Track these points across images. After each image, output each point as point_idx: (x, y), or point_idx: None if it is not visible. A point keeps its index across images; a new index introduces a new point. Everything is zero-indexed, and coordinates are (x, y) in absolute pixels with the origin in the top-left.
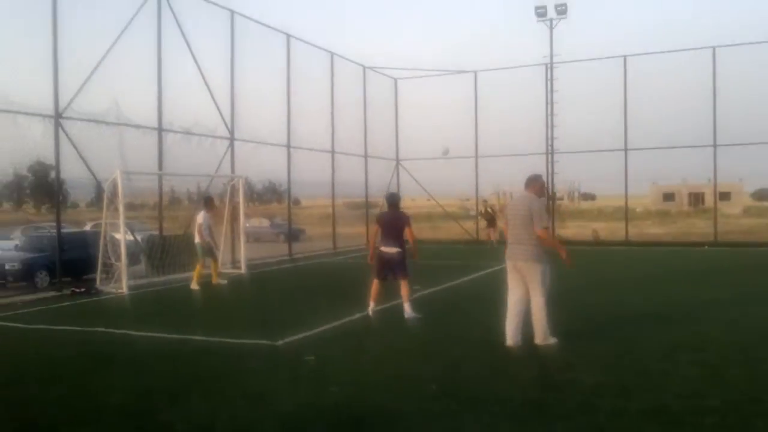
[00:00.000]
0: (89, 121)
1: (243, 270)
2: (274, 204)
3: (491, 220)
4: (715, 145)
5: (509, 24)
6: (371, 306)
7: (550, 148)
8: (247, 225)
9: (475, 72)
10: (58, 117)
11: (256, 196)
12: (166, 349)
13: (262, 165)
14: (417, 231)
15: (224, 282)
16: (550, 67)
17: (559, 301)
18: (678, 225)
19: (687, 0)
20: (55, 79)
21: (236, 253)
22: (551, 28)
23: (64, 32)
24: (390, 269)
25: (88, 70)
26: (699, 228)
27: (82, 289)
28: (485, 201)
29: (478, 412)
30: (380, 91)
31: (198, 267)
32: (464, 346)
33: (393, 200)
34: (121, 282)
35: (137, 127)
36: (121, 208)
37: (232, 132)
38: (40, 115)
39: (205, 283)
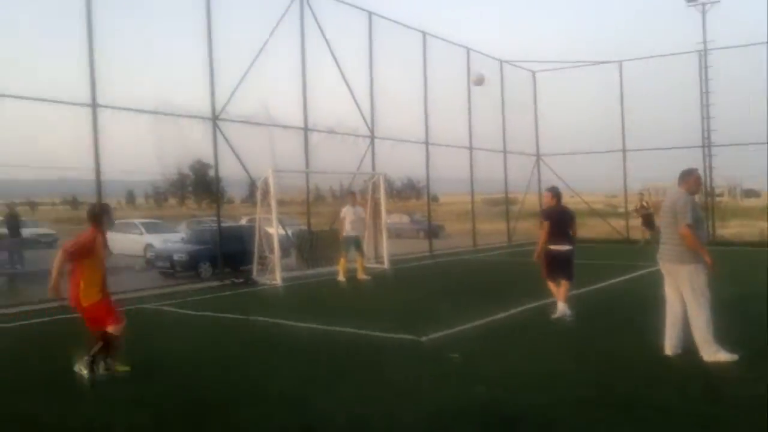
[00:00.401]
0: (242, 122)
1: (386, 265)
2: (412, 200)
3: (647, 216)
4: None
5: (655, 11)
6: (561, 308)
7: (706, 141)
8: (388, 221)
9: (620, 62)
10: (215, 119)
11: (395, 192)
12: (319, 340)
13: (401, 162)
14: None
15: (368, 278)
16: (704, 55)
17: (728, 309)
18: None
19: None
20: (212, 84)
21: (379, 249)
22: (703, 13)
23: (218, 41)
24: (559, 268)
25: (239, 74)
26: None
27: (241, 280)
28: (642, 195)
29: (637, 421)
30: (518, 85)
31: (342, 260)
32: (619, 350)
33: (559, 193)
34: (275, 274)
35: (285, 127)
36: (273, 204)
37: (372, 130)
38: (199, 117)
39: (351, 277)
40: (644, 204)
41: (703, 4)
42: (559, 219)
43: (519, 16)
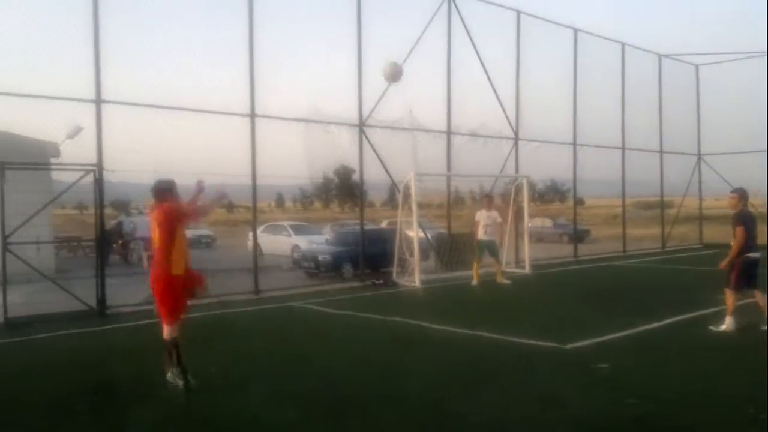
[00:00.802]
0: (387, 128)
1: (527, 270)
2: (556, 203)
3: None
4: None
5: None
6: (729, 322)
7: None
8: (530, 225)
9: None
10: (361, 125)
11: (537, 195)
12: (457, 343)
13: (544, 164)
14: (722, 235)
15: (508, 282)
16: None
17: None
18: None
19: None
20: (360, 93)
21: (520, 253)
22: None
23: (367, 49)
24: (754, 277)
25: (386, 82)
26: None
27: (381, 281)
28: None
29: None
30: (678, 81)
31: (475, 264)
32: None
33: (747, 195)
34: (414, 276)
35: (428, 131)
36: (414, 208)
37: (516, 132)
38: (347, 124)
39: (489, 281)
40: None
41: None
42: (752, 223)
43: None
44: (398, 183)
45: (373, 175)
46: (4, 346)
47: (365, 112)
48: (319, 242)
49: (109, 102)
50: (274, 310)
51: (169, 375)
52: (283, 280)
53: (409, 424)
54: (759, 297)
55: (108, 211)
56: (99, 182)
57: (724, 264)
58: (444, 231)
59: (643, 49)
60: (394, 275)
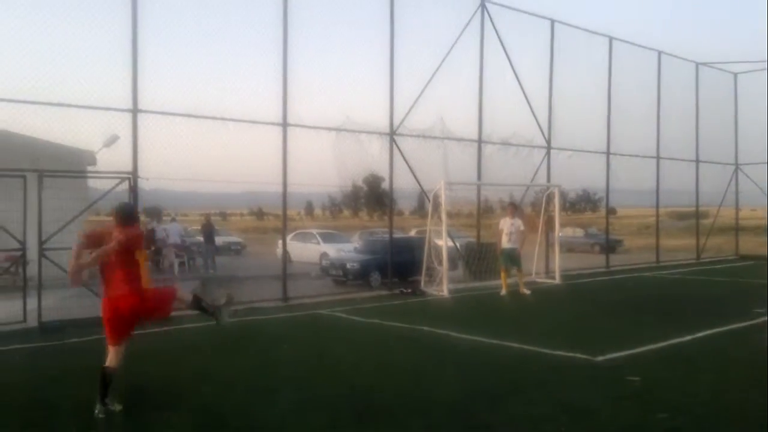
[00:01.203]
0: (418, 136)
1: (557, 280)
2: (587, 213)
3: None
4: None
5: None
6: None
7: None
8: (560, 235)
9: None
10: (392, 134)
11: (568, 205)
12: (485, 353)
13: (576, 173)
14: (759, 247)
15: (528, 293)
16: None
17: None
18: None
19: None
20: (391, 102)
21: (550, 263)
22: None
23: (398, 57)
24: None
25: (417, 90)
26: None
27: (409, 290)
28: None
29: None
30: (716, 89)
31: (503, 273)
32: None
33: None
34: (442, 285)
35: (459, 140)
36: (443, 217)
37: (548, 141)
38: (377, 133)
39: (514, 291)
40: None
41: None
42: None
43: (719, 12)
44: (428, 192)
45: (402, 184)
46: (38, 349)
47: (396, 121)
48: (347, 250)
49: (145, 111)
50: (303, 317)
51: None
52: (311, 287)
53: None
54: None
55: (141, 218)
56: (134, 190)
57: None
58: (473, 240)
59: (680, 57)
60: (422, 284)
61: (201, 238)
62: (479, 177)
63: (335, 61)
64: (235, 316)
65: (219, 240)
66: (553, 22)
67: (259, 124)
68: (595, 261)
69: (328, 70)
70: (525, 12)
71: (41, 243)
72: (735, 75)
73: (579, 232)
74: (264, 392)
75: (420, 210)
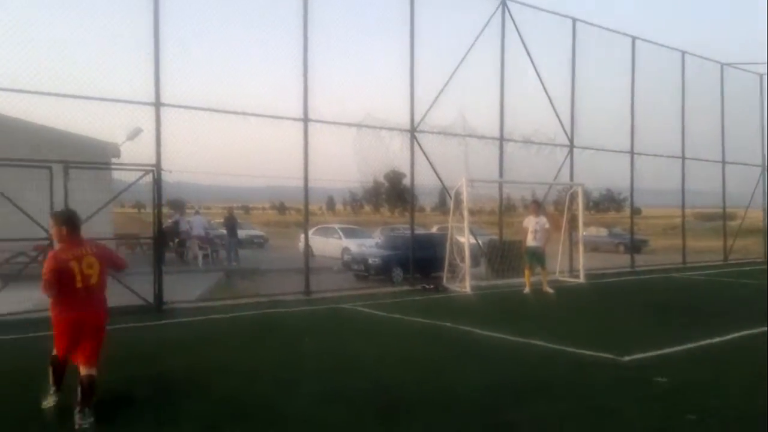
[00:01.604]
0: (439, 133)
1: (582, 279)
2: (611, 213)
3: None
4: None
5: None
6: None
7: None
8: (584, 234)
9: None
10: (413, 131)
11: (592, 204)
12: (508, 350)
13: (600, 172)
14: None
15: (552, 291)
16: None
17: None
18: None
19: None
20: (412, 99)
21: (574, 262)
22: None
23: (419, 55)
24: None
25: (438, 87)
26: None
27: (431, 286)
28: None
29: None
30: (742, 89)
31: (527, 271)
32: None
33: None
34: (464, 282)
35: (480, 137)
36: (465, 214)
37: (571, 139)
38: (398, 129)
39: (537, 290)
40: None
41: None
42: None
43: (744, 12)
44: (449, 188)
45: (423, 180)
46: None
47: (417, 118)
48: (369, 245)
49: (167, 105)
50: (324, 311)
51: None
52: (333, 281)
53: (462, 429)
54: None
55: (164, 210)
56: (157, 182)
57: None
58: (495, 238)
59: (705, 58)
60: (445, 280)
61: (224, 231)
62: (501, 174)
63: (356, 58)
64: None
65: (241, 233)
66: (574, 21)
67: (280, 120)
68: (619, 261)
69: (349, 66)
70: (546, 11)
71: None
72: (761, 76)
73: (603, 232)
74: (286, 385)
75: (441, 207)
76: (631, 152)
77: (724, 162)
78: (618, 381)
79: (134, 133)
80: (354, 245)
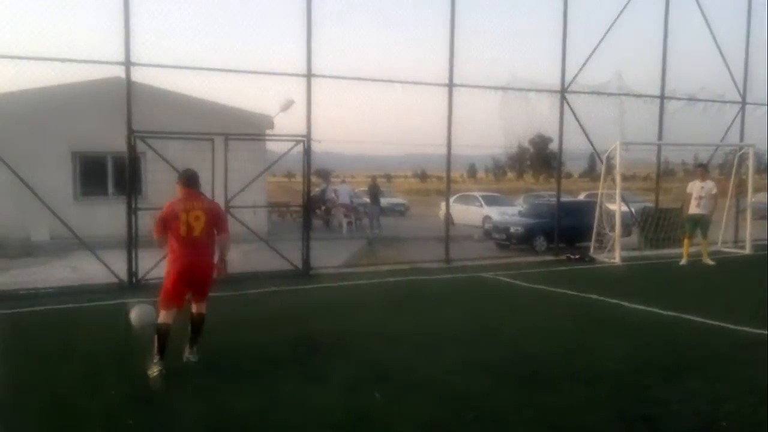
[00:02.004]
0: (592, 93)
1: (747, 250)
2: None
3: None
4: None
5: None
6: None
7: None
8: (753, 200)
9: None
10: (563, 92)
11: (765, 167)
12: (660, 325)
13: None
14: None
15: (712, 263)
16: None
17: None
18: None
19: None
20: (563, 57)
21: (740, 232)
22: None
23: (573, 7)
24: None
25: (592, 44)
26: None
27: (577, 256)
28: None
29: None
30: None
31: (686, 241)
32: None
33: None
34: (614, 252)
35: (638, 96)
36: (618, 180)
37: (744, 95)
38: (548, 91)
39: (695, 261)
40: None
41: None
42: None
43: None
44: (601, 153)
45: (572, 145)
46: (224, 298)
47: (568, 77)
48: (511, 213)
49: (318, 76)
50: (465, 279)
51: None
52: (473, 250)
53: (604, 405)
54: None
55: (313, 179)
56: (307, 152)
57: None
58: (650, 205)
59: None
60: (592, 250)
61: (367, 199)
62: (660, 136)
63: (504, 15)
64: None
65: (384, 201)
66: None
67: (425, 86)
68: None
69: (497, 25)
70: None
71: (227, 201)
72: None
73: None
74: (427, 350)
75: (590, 172)
76: None
77: None
78: None
79: (287, 105)
80: (495, 213)
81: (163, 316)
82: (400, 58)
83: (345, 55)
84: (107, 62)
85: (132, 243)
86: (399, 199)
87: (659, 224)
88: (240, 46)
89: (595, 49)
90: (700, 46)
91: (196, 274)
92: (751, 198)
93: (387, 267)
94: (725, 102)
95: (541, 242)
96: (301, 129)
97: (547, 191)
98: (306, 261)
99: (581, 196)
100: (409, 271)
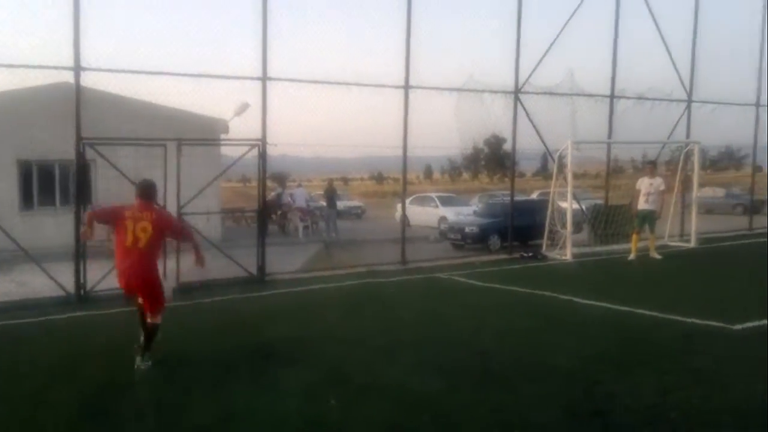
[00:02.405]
0: (544, 93)
1: (693, 243)
2: (730, 172)
3: None
4: None
5: None
6: None
7: None
8: (699, 195)
9: None
10: (517, 92)
11: (709, 163)
12: (610, 319)
13: (720, 128)
14: None
15: (659, 257)
16: None
17: None
18: None
19: None
20: (517, 58)
21: (686, 226)
22: None
23: (526, 9)
24: None
25: (545, 45)
26: None
27: (530, 254)
28: None
29: None
30: None
31: (635, 236)
32: None
33: None
34: (565, 249)
35: (589, 96)
36: (569, 178)
37: (689, 93)
38: (502, 92)
39: (643, 256)
40: None
41: None
42: None
43: None
44: (553, 152)
45: (525, 144)
46: (177, 308)
47: (522, 78)
48: (466, 214)
49: (274, 79)
50: (421, 280)
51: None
52: (429, 251)
53: (556, 401)
54: None
55: (268, 183)
56: (262, 156)
57: None
58: (600, 202)
59: None
60: (544, 248)
61: (323, 203)
62: (610, 135)
63: (459, 19)
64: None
65: (340, 204)
66: None
67: (381, 88)
68: (737, 223)
69: (452, 28)
70: None
71: (179, 208)
72: None
73: (720, 193)
74: (384, 353)
75: (543, 171)
76: (756, 104)
77: None
78: (728, 351)
79: (242, 109)
80: (451, 214)
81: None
82: (358, 61)
83: (301, 58)
84: (55, 67)
85: (80, 254)
86: (356, 202)
87: (609, 221)
88: (195, 49)
89: (547, 51)
90: (648, 47)
91: (135, 285)
92: (696, 192)
93: (344, 270)
94: (672, 100)
95: (495, 241)
96: (256, 133)
97: (502, 191)
98: (261, 267)
99: (534, 195)
100: (365, 274)
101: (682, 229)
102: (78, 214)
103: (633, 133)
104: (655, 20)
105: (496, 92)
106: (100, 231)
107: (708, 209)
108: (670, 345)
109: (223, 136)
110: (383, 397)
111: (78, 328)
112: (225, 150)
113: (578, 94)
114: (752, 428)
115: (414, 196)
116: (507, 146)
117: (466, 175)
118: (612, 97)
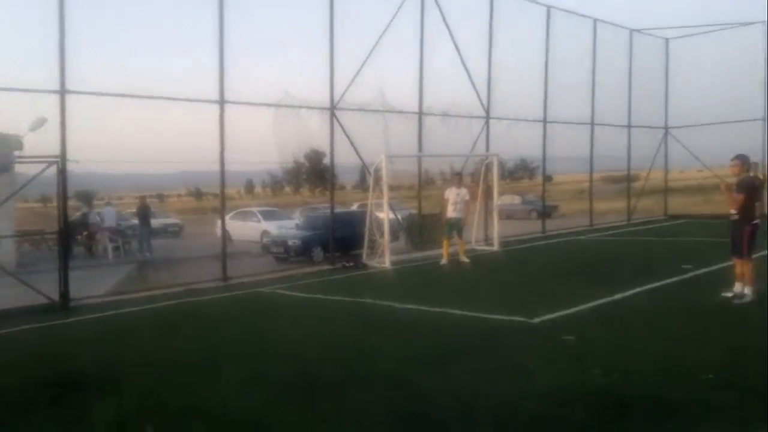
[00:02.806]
0: (358, 110)
1: (495, 247)
2: (525, 181)
3: None
4: None
5: None
6: (740, 289)
7: None
8: (499, 203)
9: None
10: (333, 108)
11: (507, 173)
12: (426, 321)
13: (515, 142)
14: (687, 206)
15: (467, 260)
16: None
17: None
18: None
19: None
20: (331, 76)
21: (489, 230)
22: None
23: (338, 31)
24: (756, 244)
25: (358, 63)
26: None
27: (351, 264)
28: None
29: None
30: (648, 55)
31: (445, 242)
32: (749, 330)
33: (749, 162)
34: (384, 257)
35: (400, 112)
36: (385, 190)
37: (488, 111)
38: (318, 108)
39: (454, 260)
40: None
41: None
42: (755, 191)
43: None
44: (369, 165)
45: (344, 158)
46: None
47: (336, 95)
48: (288, 227)
49: (73, 92)
50: (243, 296)
51: None
52: (252, 266)
53: (378, 404)
54: (740, 264)
55: (72, 202)
56: (62, 173)
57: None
58: (414, 211)
59: (615, 24)
60: (364, 257)
61: (136, 221)
62: (420, 149)
63: (274, 36)
64: None
65: (155, 222)
66: None
67: (195, 102)
68: (532, 227)
69: (267, 44)
70: None
71: None
72: (667, 40)
73: (517, 200)
74: (205, 373)
75: (362, 184)
76: (544, 121)
77: (629, 126)
78: (529, 342)
79: (38, 124)
80: (273, 228)
81: None
82: (170, 75)
83: (107, 70)
84: None
85: None
86: (172, 219)
87: (423, 228)
88: None
89: (359, 70)
90: (451, 68)
91: None
92: (497, 200)
93: (160, 291)
94: (473, 117)
95: (318, 253)
96: (56, 149)
97: (323, 203)
98: (64, 293)
99: (354, 207)
100: (183, 294)
101: (486, 233)
102: None
103: (440, 148)
104: (456, 44)
105: (312, 108)
106: None
107: (508, 215)
108: (479, 340)
109: (17, 153)
110: (204, 419)
111: None
112: (21, 168)
113: (389, 111)
114: (552, 411)
115: (235, 212)
116: (326, 160)
117: (288, 189)
118: (420, 114)
